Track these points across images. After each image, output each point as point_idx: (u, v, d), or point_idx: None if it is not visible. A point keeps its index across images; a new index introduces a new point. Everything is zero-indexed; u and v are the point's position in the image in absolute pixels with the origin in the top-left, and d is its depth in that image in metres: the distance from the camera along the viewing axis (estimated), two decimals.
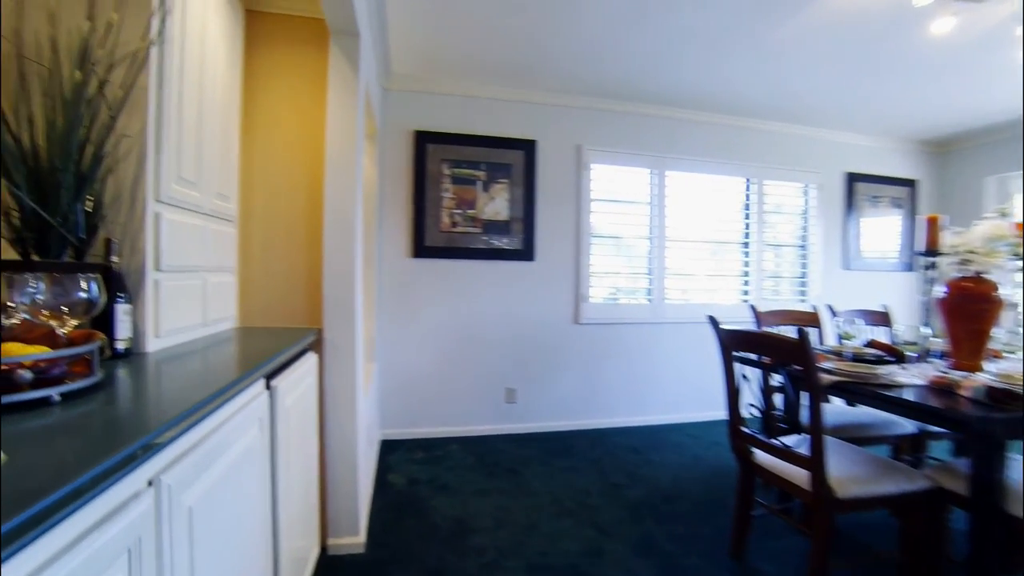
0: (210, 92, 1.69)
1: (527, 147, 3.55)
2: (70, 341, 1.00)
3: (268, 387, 1.38)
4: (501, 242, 3.52)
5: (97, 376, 0.98)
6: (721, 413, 3.70)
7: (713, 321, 2.07)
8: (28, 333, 0.97)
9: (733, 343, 1.95)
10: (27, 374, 0.86)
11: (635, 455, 3.15)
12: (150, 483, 0.77)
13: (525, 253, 3.55)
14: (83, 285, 1.01)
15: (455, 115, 3.46)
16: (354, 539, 2.03)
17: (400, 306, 3.38)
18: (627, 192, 3.83)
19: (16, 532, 0.46)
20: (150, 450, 0.74)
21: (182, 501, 0.85)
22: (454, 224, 3.46)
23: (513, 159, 3.53)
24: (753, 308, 2.87)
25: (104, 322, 1.26)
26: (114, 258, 1.31)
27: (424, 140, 3.40)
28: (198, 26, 1.60)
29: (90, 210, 1.23)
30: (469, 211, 3.47)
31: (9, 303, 0.98)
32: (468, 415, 3.50)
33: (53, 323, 0.98)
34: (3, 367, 0.83)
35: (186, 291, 1.55)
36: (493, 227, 3.51)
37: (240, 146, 2.01)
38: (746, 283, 4.08)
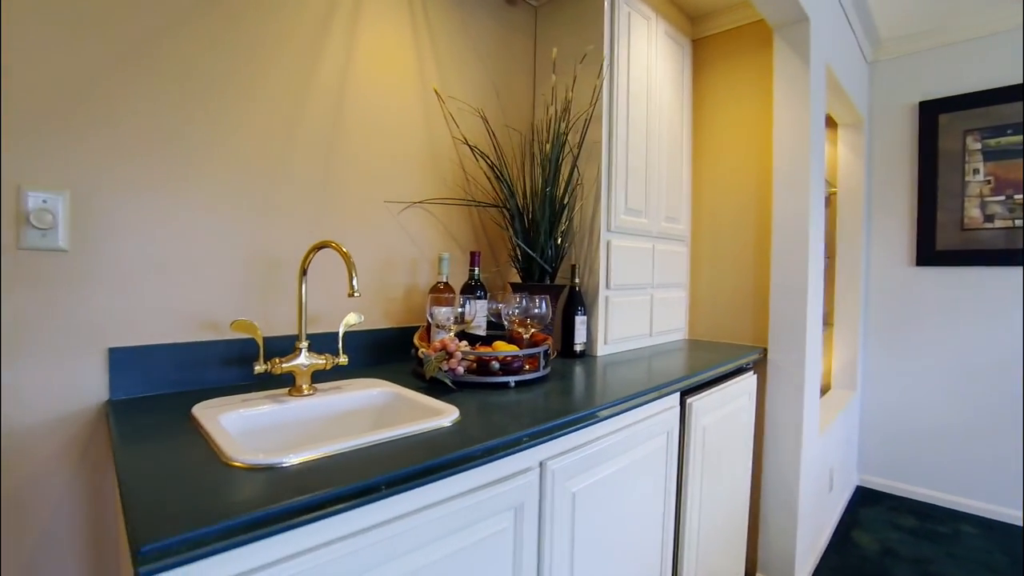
0: (656, 129, 1.89)
1: None
2: (531, 344, 1.37)
3: (682, 402, 1.43)
4: None
5: (544, 371, 1.30)
6: None
7: None
8: (513, 335, 1.40)
9: None
10: (496, 364, 1.24)
11: None
12: (541, 464, 0.97)
13: None
14: (538, 303, 1.36)
15: (986, 64, 2.46)
16: None
17: (894, 327, 2.70)
18: None
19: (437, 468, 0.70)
20: (537, 439, 0.93)
21: (567, 486, 1.02)
22: (987, 218, 2.47)
23: None
24: None
25: (568, 330, 1.64)
26: (576, 279, 1.68)
27: (933, 111, 2.58)
28: (642, 76, 1.81)
29: (559, 243, 1.63)
30: (1017, 196, 2.41)
31: (510, 312, 1.44)
32: (1004, 491, 2.42)
33: (520, 330, 1.36)
34: (484, 360, 1.23)
35: (633, 306, 1.80)
36: None
37: (692, 169, 2.14)
38: None
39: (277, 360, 1.06)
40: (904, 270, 2.67)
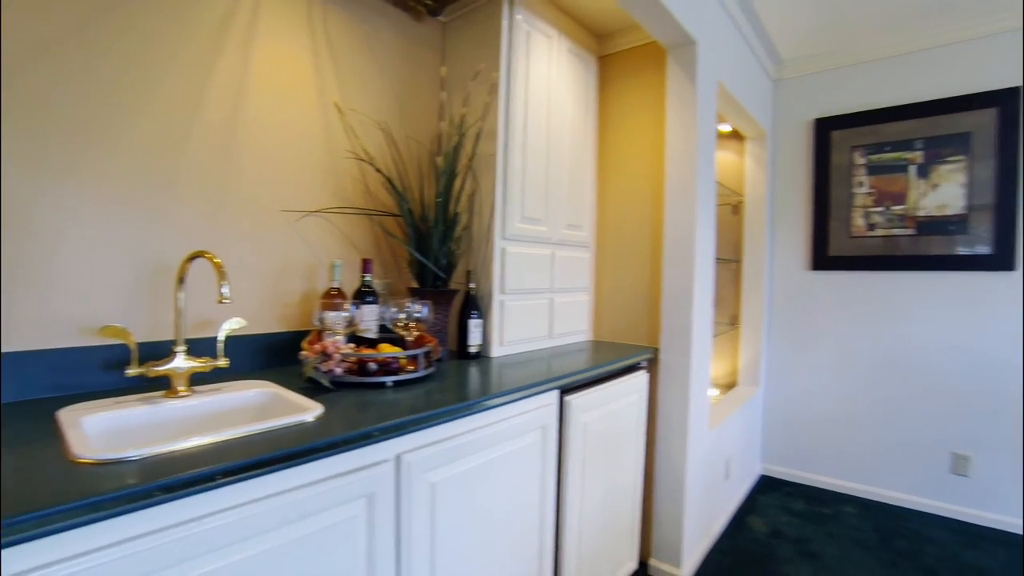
0: (558, 141, 2.00)
1: (1004, 100, 2.39)
2: (415, 345, 1.45)
3: (561, 400, 1.54)
4: (949, 246, 2.51)
5: (425, 371, 1.39)
6: None
7: None
8: (405, 338, 1.48)
9: None
10: (373, 365, 1.32)
11: None
12: (397, 457, 1.06)
13: (997, 260, 2.40)
14: (419, 307, 1.45)
15: (870, 87, 2.69)
16: (674, 569, 1.95)
17: (794, 327, 2.91)
18: None
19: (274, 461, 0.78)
20: (389, 432, 1.02)
21: (426, 478, 1.11)
22: (871, 227, 2.70)
23: (974, 124, 2.45)
24: None
25: (464, 332, 1.74)
26: (472, 284, 1.78)
27: (826, 127, 2.80)
28: (543, 94, 1.92)
29: (452, 250, 1.72)
30: (895, 207, 2.64)
31: (397, 318, 1.51)
32: (881, 474, 2.66)
33: (403, 332, 1.45)
34: (363, 361, 1.31)
35: (530, 309, 1.91)
36: (935, 226, 2.54)
37: (597, 178, 2.26)
38: None
39: (152, 363, 1.12)
40: (802, 274, 2.89)
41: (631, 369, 1.90)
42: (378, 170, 1.70)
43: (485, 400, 1.24)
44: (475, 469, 1.23)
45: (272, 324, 1.50)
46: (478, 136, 1.76)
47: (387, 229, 1.71)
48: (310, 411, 1.03)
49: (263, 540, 0.84)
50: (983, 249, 2.43)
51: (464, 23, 1.91)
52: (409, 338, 1.45)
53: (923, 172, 2.57)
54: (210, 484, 0.76)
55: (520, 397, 1.35)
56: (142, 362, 1.13)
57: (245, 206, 1.43)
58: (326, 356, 1.27)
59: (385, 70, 1.79)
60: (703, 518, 2.15)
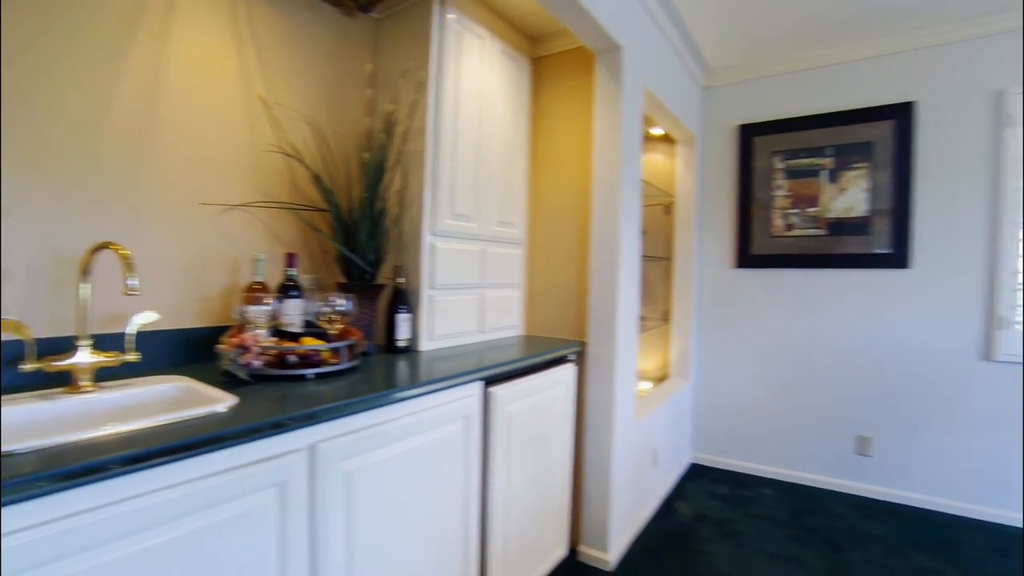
0: (489, 140, 2.05)
1: (899, 113, 2.61)
2: (339, 339, 1.46)
3: (485, 391, 1.58)
4: (855, 245, 2.72)
5: (348, 364, 1.40)
6: None
7: None
8: (328, 332, 1.48)
9: None
10: (293, 358, 1.32)
11: None
12: (311, 446, 1.07)
13: (894, 258, 2.63)
14: (341, 301, 1.46)
15: (788, 97, 2.89)
16: (601, 554, 2.03)
17: (721, 321, 3.08)
18: None
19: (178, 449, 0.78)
20: (301, 422, 1.03)
21: (342, 466, 1.12)
22: (789, 227, 2.89)
23: (876, 134, 2.67)
24: None
25: (392, 327, 1.75)
26: (401, 279, 1.80)
27: (749, 134, 2.98)
28: (474, 93, 1.96)
29: (380, 245, 1.73)
30: (809, 210, 2.84)
31: (321, 312, 1.52)
32: (797, 458, 2.86)
33: (326, 325, 1.46)
34: (284, 353, 1.31)
35: (460, 304, 1.94)
36: (843, 227, 2.75)
37: (530, 177, 2.32)
38: None
39: (51, 359, 1.08)
40: (728, 271, 3.06)
41: (558, 361, 1.97)
42: (305, 165, 1.69)
43: (403, 390, 1.26)
44: (394, 458, 1.26)
45: (191, 319, 1.48)
46: (406, 134, 1.79)
47: (313, 224, 1.71)
48: (223, 402, 1.03)
49: (170, 528, 0.84)
50: (883, 249, 2.65)
51: (396, 21, 1.93)
52: (332, 332, 1.46)
53: (833, 177, 2.78)
54: (110, 472, 0.76)
55: (440, 388, 1.38)
56: (41, 357, 1.09)
57: (161, 198, 1.40)
58: (244, 349, 1.27)
59: (315, 65, 1.78)
60: (631, 504, 2.24)
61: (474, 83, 1.96)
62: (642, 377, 3.10)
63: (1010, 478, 2.41)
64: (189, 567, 0.87)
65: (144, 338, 1.35)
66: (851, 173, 2.73)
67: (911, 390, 2.60)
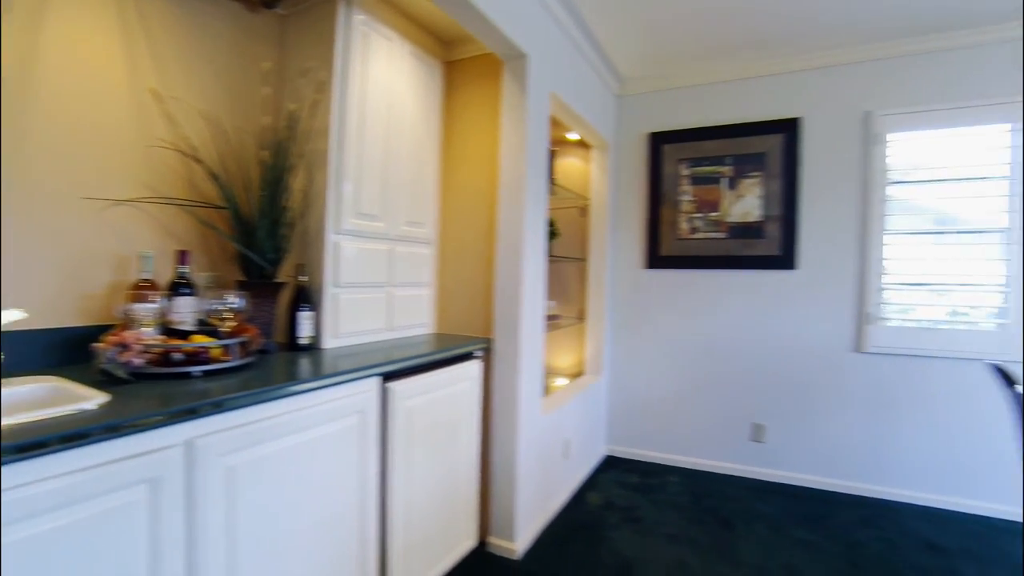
0: (398, 141, 2.08)
1: (787, 128, 2.86)
2: (231, 336, 1.45)
3: (384, 386, 1.61)
4: (751, 248, 2.95)
5: (240, 361, 1.40)
6: None
7: (1003, 375, 1.27)
8: (218, 329, 1.47)
9: None
10: (178, 356, 1.31)
11: (930, 555, 2.13)
12: (187, 441, 1.07)
13: (783, 260, 2.87)
14: (234, 298, 1.45)
15: (694, 108, 3.10)
16: (509, 544, 2.11)
17: (631, 320, 3.24)
18: (956, 166, 2.61)
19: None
20: (176, 418, 1.03)
21: (222, 461, 1.13)
22: (694, 230, 3.09)
23: (768, 146, 2.91)
24: None
25: (293, 324, 1.75)
26: (303, 277, 1.80)
27: (658, 142, 3.17)
28: (382, 95, 1.98)
29: (280, 243, 1.73)
30: (711, 214, 3.05)
31: (215, 310, 1.50)
32: (701, 447, 3.06)
33: (217, 322, 1.44)
34: (168, 351, 1.30)
35: (366, 302, 1.96)
36: (741, 230, 2.97)
37: (442, 178, 2.37)
38: None
39: None
40: (637, 272, 3.23)
41: (464, 358, 2.02)
42: (201, 163, 1.66)
43: (290, 385, 1.28)
44: (283, 452, 1.27)
45: (71, 318, 1.42)
46: (309, 133, 1.79)
47: (208, 222, 1.68)
48: (93, 400, 1.01)
49: (30, 525, 0.83)
50: (774, 252, 2.89)
51: (301, 19, 1.93)
52: (224, 329, 1.44)
53: (732, 184, 3.00)
54: None
55: (332, 383, 1.40)
56: None
57: (35, 191, 1.34)
58: (124, 347, 1.24)
59: (215, 59, 1.76)
60: (540, 495, 2.33)
61: (382, 84, 1.99)
62: (559, 374, 3.22)
63: (877, 456, 2.70)
64: (58, 565, 0.86)
65: (12, 338, 1.29)
66: (747, 181, 2.96)
67: (798, 380, 2.85)
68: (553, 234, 2.97)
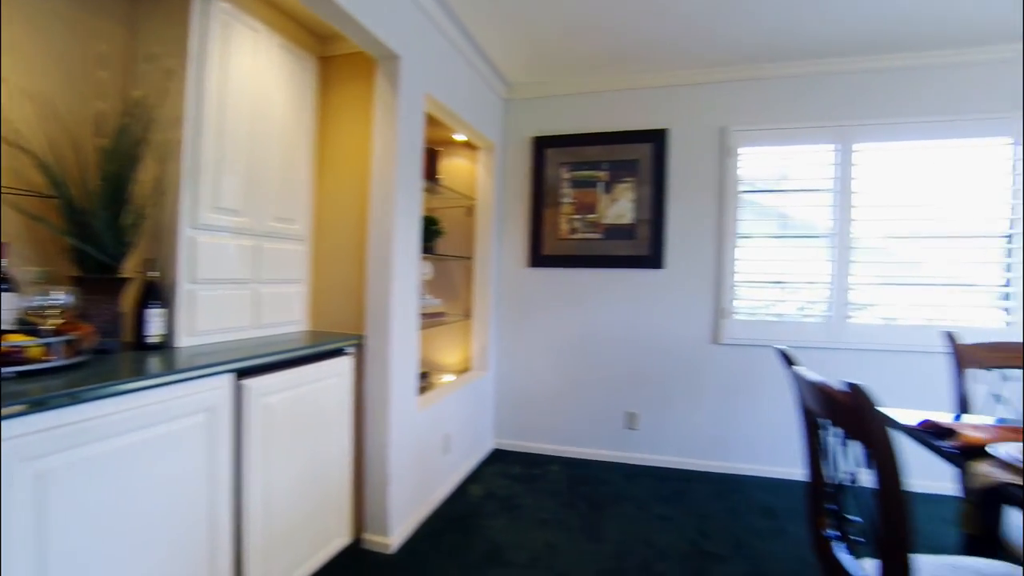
0: (264, 135, 2.02)
1: (656, 138, 3.13)
2: (55, 334, 1.35)
3: (238, 383, 1.58)
4: (624, 248, 3.18)
5: (65, 361, 1.31)
6: (920, 482, 2.53)
7: (785, 357, 1.48)
8: (39, 327, 1.36)
9: (808, 398, 1.34)
10: None
11: (766, 519, 2.43)
12: None
13: (652, 260, 3.13)
14: (61, 295, 1.36)
15: (575, 115, 3.29)
16: (383, 539, 2.12)
17: (515, 317, 3.38)
18: (795, 178, 3.00)
19: None
20: None
21: (30, 466, 1.05)
22: (573, 231, 3.28)
23: (639, 154, 3.16)
24: (951, 337, 1.93)
25: (140, 322, 1.66)
26: (153, 273, 1.71)
27: (542, 145, 3.33)
28: (247, 85, 1.93)
29: (123, 237, 1.63)
30: (589, 216, 3.25)
31: (37, 307, 1.39)
32: (580, 436, 3.26)
33: (38, 320, 1.34)
34: None
35: (228, 299, 1.89)
36: (615, 232, 3.20)
37: (317, 175, 2.34)
38: (1008, 296, 2.73)
39: None
40: (521, 271, 3.37)
41: (334, 354, 2.01)
42: (24, 150, 1.53)
43: (116, 384, 1.21)
44: (112, 454, 1.20)
45: None
46: (158, 122, 1.70)
47: (32, 213, 1.54)
48: None
49: None
50: (644, 252, 3.14)
51: (155, 3, 1.83)
52: (46, 328, 1.34)
53: (608, 188, 3.22)
54: None
55: (171, 381, 1.35)
56: None
57: None
58: None
59: (51, 37, 1.62)
60: (417, 490, 2.37)
61: (246, 76, 1.93)
62: (446, 370, 3.27)
63: (726, 436, 3.02)
64: None
65: None
66: (621, 186, 3.19)
67: (665, 370, 3.12)
68: (437, 233, 3.02)
